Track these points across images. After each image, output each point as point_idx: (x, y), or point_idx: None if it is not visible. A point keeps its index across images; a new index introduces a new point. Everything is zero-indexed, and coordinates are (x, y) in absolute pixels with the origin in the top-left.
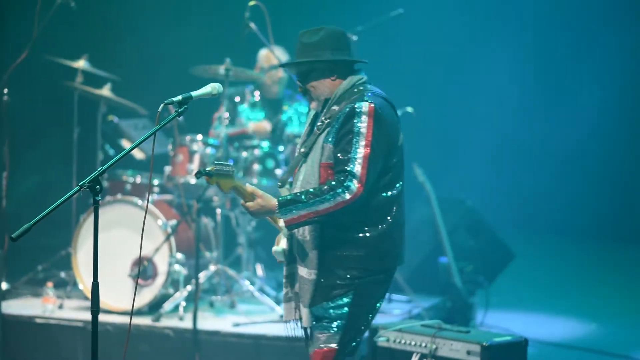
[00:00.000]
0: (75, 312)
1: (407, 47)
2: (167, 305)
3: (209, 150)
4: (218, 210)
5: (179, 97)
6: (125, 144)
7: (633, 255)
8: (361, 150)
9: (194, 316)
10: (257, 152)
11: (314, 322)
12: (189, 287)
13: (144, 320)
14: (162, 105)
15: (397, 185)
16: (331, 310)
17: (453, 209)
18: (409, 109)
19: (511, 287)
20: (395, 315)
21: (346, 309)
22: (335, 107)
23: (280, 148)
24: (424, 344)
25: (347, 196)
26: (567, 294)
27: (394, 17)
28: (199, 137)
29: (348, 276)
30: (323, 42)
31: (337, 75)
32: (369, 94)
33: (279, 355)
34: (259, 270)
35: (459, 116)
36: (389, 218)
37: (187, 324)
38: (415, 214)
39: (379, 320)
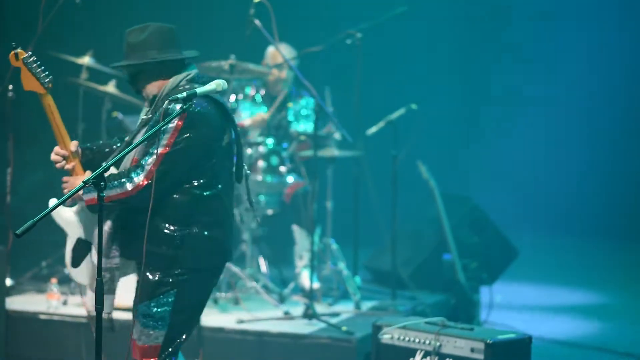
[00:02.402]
0: (79, 308)
1: (412, 44)
2: None
3: None
4: None
5: (184, 94)
6: None
7: (638, 253)
8: (160, 148)
9: None
10: (261, 149)
11: (141, 319)
12: None
13: None
14: (166, 102)
15: (219, 185)
16: (155, 309)
17: (457, 205)
18: (413, 106)
19: (515, 284)
20: (399, 312)
21: (169, 307)
22: (160, 105)
23: (285, 145)
24: (427, 341)
25: (129, 187)
26: (571, 291)
27: (398, 15)
28: None
29: (172, 274)
30: (149, 41)
31: (165, 74)
32: (190, 91)
33: (283, 352)
34: (263, 267)
35: (463, 112)
36: (208, 217)
37: None
38: (419, 211)
39: (382, 317)
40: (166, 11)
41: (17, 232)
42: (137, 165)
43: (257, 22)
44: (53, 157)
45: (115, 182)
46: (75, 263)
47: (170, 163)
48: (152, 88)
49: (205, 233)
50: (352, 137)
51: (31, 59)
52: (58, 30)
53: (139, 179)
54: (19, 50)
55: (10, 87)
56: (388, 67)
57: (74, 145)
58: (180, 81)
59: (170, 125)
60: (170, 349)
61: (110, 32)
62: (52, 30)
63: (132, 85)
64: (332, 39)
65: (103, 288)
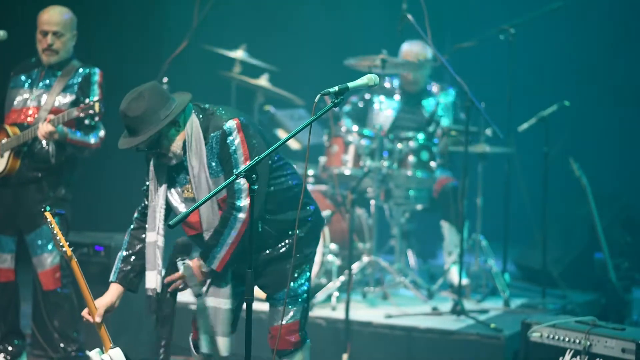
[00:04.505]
0: None
1: (566, 39)
2: (320, 295)
3: (364, 141)
4: (372, 202)
5: (336, 88)
6: (281, 134)
7: None
8: (242, 164)
9: (346, 306)
10: (412, 144)
11: (288, 302)
12: (342, 278)
13: None
14: (318, 96)
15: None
16: (298, 289)
17: (609, 204)
18: (566, 103)
19: None
20: (548, 311)
21: (308, 283)
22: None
23: (436, 140)
24: (577, 340)
25: (242, 215)
26: None
27: (554, 10)
28: (355, 128)
29: (306, 253)
30: (151, 105)
31: (179, 123)
32: (222, 112)
33: (431, 348)
34: (412, 261)
35: (617, 109)
36: (306, 196)
37: (339, 314)
38: (570, 209)
39: (531, 315)
40: (317, 5)
41: (170, 223)
42: (234, 193)
43: (409, 17)
44: (84, 320)
45: (227, 225)
46: None
47: (262, 166)
48: (176, 142)
49: (313, 208)
50: (503, 133)
51: (52, 226)
52: (212, 24)
53: (244, 202)
54: (45, 212)
55: (165, 79)
56: (541, 63)
57: (98, 316)
58: (195, 112)
59: (237, 140)
60: (306, 321)
61: (262, 27)
62: (207, 24)
63: (153, 150)
64: (485, 35)
65: (253, 279)
